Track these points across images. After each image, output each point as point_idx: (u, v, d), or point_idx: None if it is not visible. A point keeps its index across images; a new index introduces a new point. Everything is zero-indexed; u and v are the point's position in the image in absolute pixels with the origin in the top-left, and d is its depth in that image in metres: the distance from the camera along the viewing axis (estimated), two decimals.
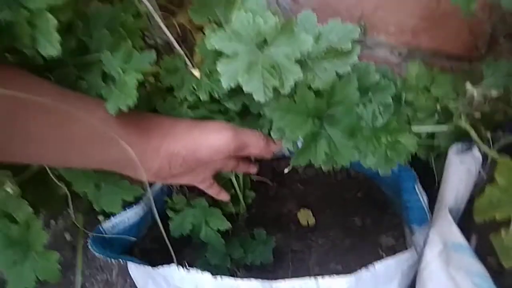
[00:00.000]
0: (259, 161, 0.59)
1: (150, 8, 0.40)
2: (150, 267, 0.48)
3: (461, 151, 0.46)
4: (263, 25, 0.38)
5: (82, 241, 0.57)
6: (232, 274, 0.59)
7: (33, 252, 0.43)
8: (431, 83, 0.50)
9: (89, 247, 0.50)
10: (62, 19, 0.32)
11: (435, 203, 0.49)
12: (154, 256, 0.59)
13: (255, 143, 0.46)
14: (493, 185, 0.32)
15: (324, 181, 0.71)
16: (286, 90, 0.38)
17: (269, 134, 0.46)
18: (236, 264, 0.60)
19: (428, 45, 0.61)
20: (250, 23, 0.38)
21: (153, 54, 0.39)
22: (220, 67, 0.38)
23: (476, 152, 0.44)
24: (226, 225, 0.57)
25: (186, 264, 0.46)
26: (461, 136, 0.46)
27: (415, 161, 0.49)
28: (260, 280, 0.44)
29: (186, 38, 0.49)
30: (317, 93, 0.41)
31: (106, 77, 0.39)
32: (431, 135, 0.50)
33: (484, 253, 0.38)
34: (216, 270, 0.56)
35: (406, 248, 0.59)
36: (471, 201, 0.45)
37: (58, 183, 0.45)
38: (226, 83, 0.38)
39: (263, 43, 0.38)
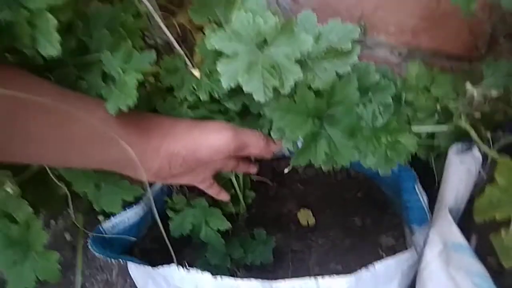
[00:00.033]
0: (259, 161, 0.59)
1: (150, 8, 0.40)
2: (150, 267, 0.48)
3: (461, 151, 0.46)
4: (263, 25, 0.38)
5: (82, 241, 0.57)
6: (232, 274, 0.59)
7: (33, 252, 0.43)
8: (431, 83, 0.50)
9: (89, 247, 0.50)
10: (62, 19, 0.32)
11: (435, 203, 0.49)
12: (154, 256, 0.59)
13: (255, 143, 0.46)
14: (493, 185, 0.32)
15: (324, 181, 0.71)
16: (286, 90, 0.38)
17: (269, 134, 0.46)
18: (236, 264, 0.60)
19: (428, 45, 0.61)
20: (250, 23, 0.38)
21: (153, 54, 0.39)
22: (220, 67, 0.38)
23: (476, 152, 0.44)
24: (226, 225, 0.57)
25: (186, 264, 0.46)
26: (461, 136, 0.46)
27: (415, 161, 0.49)
28: (260, 280, 0.44)
29: (186, 38, 0.49)
30: (317, 93, 0.41)
31: (106, 77, 0.39)
32: (431, 135, 0.50)
33: (484, 253, 0.38)
34: (216, 270, 0.56)
35: (406, 248, 0.59)
36: (471, 201, 0.45)
37: (58, 183, 0.45)
38: (226, 83, 0.38)
39: (263, 43, 0.38)
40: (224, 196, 0.56)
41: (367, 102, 0.45)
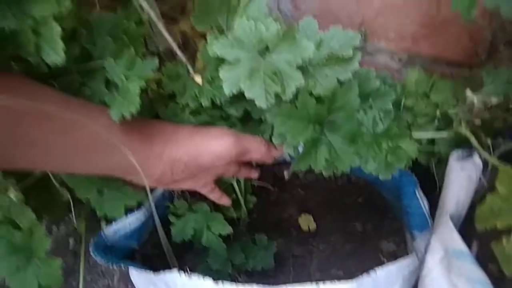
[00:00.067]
0: (260, 166, 0.59)
1: (153, 15, 0.40)
2: (151, 272, 0.48)
3: (461, 158, 0.46)
4: (265, 32, 0.39)
5: (84, 246, 0.57)
6: (233, 280, 0.59)
7: (35, 258, 0.43)
8: (431, 89, 0.50)
9: (91, 252, 0.50)
10: (65, 27, 0.32)
11: (436, 208, 0.50)
12: (156, 261, 0.59)
13: (256, 149, 0.46)
14: (494, 193, 0.32)
15: (325, 186, 0.71)
16: (288, 96, 0.38)
17: (271, 140, 0.46)
18: (237, 270, 0.60)
19: (428, 52, 0.61)
20: (252, 30, 0.39)
21: (155, 61, 0.39)
22: (222, 73, 0.38)
23: (476, 159, 0.44)
24: (227, 229, 0.57)
25: (188, 270, 0.47)
26: (462, 143, 0.46)
27: (416, 167, 0.50)
28: (261, 285, 0.44)
29: (188, 45, 0.50)
30: (318, 99, 0.42)
31: (109, 84, 0.39)
32: (432, 141, 0.50)
33: (485, 260, 0.38)
34: (217, 276, 0.56)
35: (407, 254, 0.59)
36: (472, 207, 0.45)
37: (61, 189, 0.46)
38: (228, 89, 0.38)
39: (265, 50, 0.39)
40: (225, 201, 0.56)
41: (367, 108, 0.46)
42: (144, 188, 0.43)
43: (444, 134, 0.47)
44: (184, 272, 0.46)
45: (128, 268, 0.52)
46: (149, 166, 0.41)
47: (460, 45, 0.58)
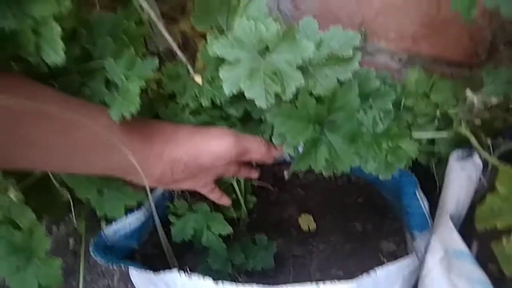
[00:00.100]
0: (260, 166, 0.59)
1: (153, 15, 0.40)
2: (151, 272, 0.48)
3: (461, 158, 0.46)
4: (265, 32, 0.39)
5: (84, 246, 0.57)
6: (233, 280, 0.59)
7: (35, 258, 0.43)
8: (431, 89, 0.50)
9: (91, 252, 0.50)
10: (65, 27, 0.32)
11: (436, 208, 0.50)
12: (156, 261, 0.59)
13: (256, 149, 0.46)
14: (494, 193, 0.32)
15: (325, 186, 0.71)
16: (288, 96, 0.38)
17: (271, 140, 0.46)
18: (237, 270, 0.60)
19: (428, 52, 0.61)
20: (252, 30, 0.39)
21: (155, 61, 0.39)
22: (223, 73, 0.38)
23: (476, 159, 0.44)
24: (228, 229, 0.57)
25: (188, 270, 0.47)
26: (462, 143, 0.46)
27: (415, 167, 0.50)
28: (261, 285, 0.44)
29: (188, 45, 0.50)
30: (318, 99, 0.42)
31: (109, 84, 0.39)
32: (432, 141, 0.50)
33: (485, 259, 0.38)
34: (217, 276, 0.56)
35: (407, 254, 0.59)
36: (472, 207, 0.45)
37: (61, 189, 0.46)
38: (228, 89, 0.38)
39: (265, 50, 0.39)
40: (225, 201, 0.56)
41: (367, 108, 0.46)
42: (144, 188, 0.43)
43: (444, 134, 0.47)
44: (184, 272, 0.46)
45: (128, 268, 0.52)
46: (149, 166, 0.41)
47: (460, 45, 0.58)
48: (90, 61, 0.39)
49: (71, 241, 0.70)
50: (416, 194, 0.55)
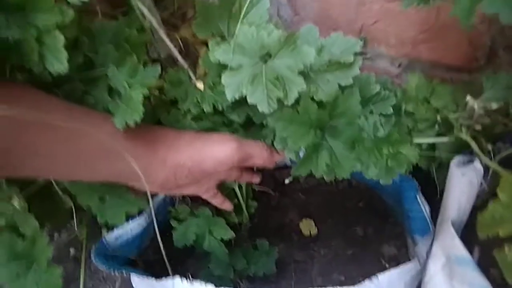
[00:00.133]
0: (260, 170, 0.59)
1: (154, 22, 0.40)
2: (153, 279, 0.48)
3: (462, 163, 0.46)
4: (267, 38, 0.39)
5: (85, 253, 0.57)
6: (235, 285, 0.59)
7: (36, 266, 0.43)
8: (431, 94, 0.50)
9: (92, 259, 0.50)
10: (68, 36, 0.32)
11: (437, 213, 0.50)
12: (158, 267, 0.59)
13: (258, 154, 0.46)
14: (496, 201, 0.32)
15: (326, 191, 0.71)
16: (290, 101, 0.38)
17: (272, 145, 0.46)
18: (239, 275, 0.60)
19: (428, 57, 0.61)
20: (254, 36, 0.39)
21: (158, 68, 0.39)
22: (225, 79, 0.39)
23: (477, 164, 0.44)
24: (230, 234, 0.57)
25: (190, 276, 0.46)
26: (462, 148, 0.46)
27: (416, 171, 0.50)
28: None
29: (189, 52, 0.50)
30: (320, 104, 0.42)
31: (112, 91, 0.39)
32: (432, 146, 0.50)
33: (487, 265, 0.38)
34: (219, 281, 0.56)
35: (408, 258, 0.59)
36: (473, 213, 0.45)
37: (63, 196, 0.46)
38: (230, 95, 0.39)
39: (266, 56, 0.39)
40: (227, 206, 0.56)
41: (368, 114, 0.46)
42: (146, 194, 0.43)
43: (444, 139, 0.47)
44: (186, 278, 0.46)
45: (129, 274, 0.52)
46: (153, 172, 0.41)
47: (459, 50, 0.59)
48: (92, 69, 0.39)
49: (72, 247, 0.70)
50: (417, 199, 0.55)
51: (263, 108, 0.38)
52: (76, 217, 0.49)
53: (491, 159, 0.42)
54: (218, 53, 0.39)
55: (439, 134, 0.48)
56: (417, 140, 0.48)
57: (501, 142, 0.45)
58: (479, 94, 0.44)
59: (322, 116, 0.42)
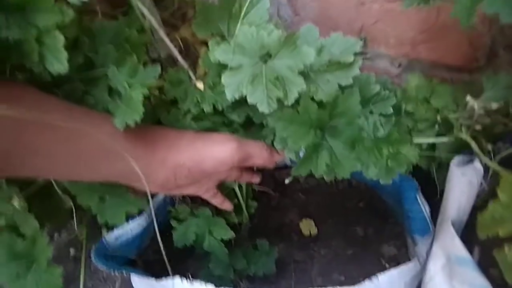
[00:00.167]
0: (260, 170, 0.59)
1: (154, 22, 0.40)
2: (153, 279, 0.48)
3: (462, 163, 0.46)
4: (266, 38, 0.39)
5: (85, 253, 0.57)
6: (235, 285, 0.59)
7: (36, 266, 0.43)
8: (431, 94, 0.50)
9: (92, 259, 0.50)
10: (68, 36, 0.32)
11: (437, 213, 0.50)
12: (157, 267, 0.59)
13: (258, 154, 0.46)
14: (496, 201, 0.32)
15: (326, 191, 0.71)
16: (290, 101, 0.39)
17: (272, 145, 0.46)
18: (239, 275, 0.60)
19: (428, 57, 0.61)
20: (254, 36, 0.39)
21: (158, 68, 0.39)
22: (225, 79, 0.39)
23: (477, 164, 0.44)
24: (230, 234, 0.57)
25: (190, 276, 0.46)
26: (462, 148, 0.46)
27: (416, 171, 0.50)
28: None
29: (189, 52, 0.50)
30: (320, 104, 0.42)
31: (112, 91, 0.39)
32: (432, 146, 0.50)
33: (487, 264, 0.38)
34: (219, 281, 0.56)
35: (408, 258, 0.59)
36: (473, 213, 0.45)
37: (63, 196, 0.46)
38: (230, 94, 0.39)
39: (266, 56, 0.39)
40: (227, 206, 0.56)
41: (368, 114, 0.46)
42: (146, 195, 0.43)
43: (444, 139, 0.47)
44: (186, 278, 0.46)
45: (129, 274, 0.52)
46: (153, 172, 0.41)
47: (459, 50, 0.59)
48: (92, 69, 0.39)
49: (72, 247, 0.70)
50: (417, 199, 0.55)
51: (263, 108, 0.38)
52: (76, 217, 0.49)
53: (491, 159, 0.42)
54: (218, 53, 0.39)
55: (439, 134, 0.48)
56: (417, 140, 0.48)
57: (501, 142, 0.45)
58: (479, 94, 0.44)
59: (322, 116, 0.42)
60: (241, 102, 0.39)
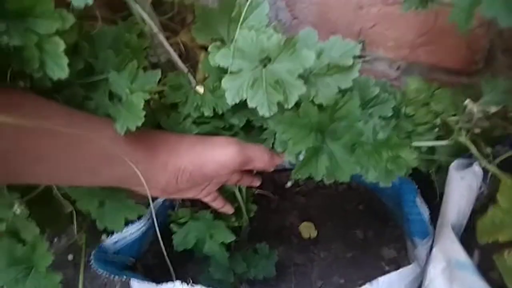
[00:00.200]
0: (260, 173, 0.59)
1: (154, 27, 0.40)
2: (153, 283, 0.48)
3: (462, 167, 0.46)
4: (266, 42, 0.39)
5: (84, 258, 0.57)
6: None
7: (36, 271, 0.43)
8: (430, 97, 0.50)
9: (91, 264, 0.50)
10: (68, 41, 0.32)
11: (437, 216, 0.50)
12: (157, 271, 0.59)
13: (259, 157, 0.46)
14: (495, 206, 0.32)
15: (325, 194, 0.71)
16: (290, 104, 0.39)
17: (273, 148, 0.46)
18: (239, 279, 0.60)
19: (426, 60, 0.61)
20: (254, 40, 0.39)
21: (158, 73, 0.39)
22: (225, 83, 0.39)
23: (476, 168, 0.44)
24: (230, 237, 0.57)
25: (190, 280, 0.46)
26: (461, 151, 0.47)
27: (416, 174, 0.50)
28: None
29: (189, 56, 0.50)
30: (320, 107, 0.42)
31: (112, 96, 0.39)
32: (432, 149, 0.50)
33: (487, 268, 0.38)
34: (219, 285, 0.56)
35: (408, 260, 0.59)
36: (472, 216, 0.45)
37: (64, 201, 0.45)
38: (231, 98, 0.39)
39: (266, 60, 0.39)
40: (228, 209, 0.56)
41: (367, 117, 0.46)
42: (146, 199, 0.43)
43: (444, 143, 0.47)
44: (186, 283, 0.46)
45: (129, 279, 0.52)
46: (154, 176, 0.41)
47: (458, 54, 0.59)
48: (92, 75, 0.39)
49: (72, 252, 0.69)
50: (416, 202, 0.55)
51: (263, 111, 0.38)
52: (76, 222, 0.49)
53: (490, 162, 0.42)
54: (218, 57, 0.39)
55: (438, 138, 0.48)
56: (417, 143, 0.48)
57: (500, 145, 0.45)
58: (478, 98, 0.45)
59: (322, 119, 0.42)
60: (241, 105, 0.39)
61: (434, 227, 0.51)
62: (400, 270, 0.45)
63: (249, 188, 0.62)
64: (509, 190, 0.31)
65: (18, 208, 0.40)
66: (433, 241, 0.49)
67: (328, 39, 0.43)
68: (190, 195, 0.49)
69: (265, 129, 0.47)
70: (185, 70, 0.44)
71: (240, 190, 0.60)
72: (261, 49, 0.39)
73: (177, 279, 0.47)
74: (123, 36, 0.40)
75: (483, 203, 0.45)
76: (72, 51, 0.37)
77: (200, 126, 0.46)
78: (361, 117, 0.45)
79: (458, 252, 0.40)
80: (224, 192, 0.58)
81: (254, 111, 0.39)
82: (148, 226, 0.58)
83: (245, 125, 0.47)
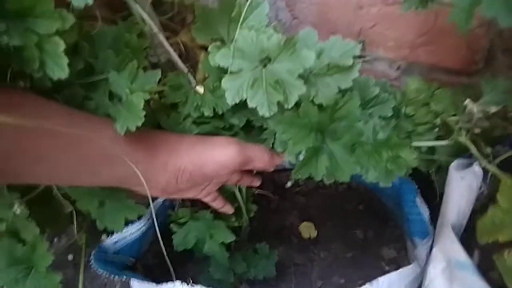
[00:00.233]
0: (260, 173, 0.59)
1: (154, 27, 0.40)
2: (153, 283, 0.48)
3: (462, 167, 0.46)
4: (266, 42, 0.39)
5: (84, 258, 0.57)
6: None
7: (35, 271, 0.43)
8: (430, 97, 0.50)
9: (91, 264, 0.50)
10: (68, 41, 0.32)
11: (437, 216, 0.50)
12: (157, 271, 0.59)
13: (259, 157, 0.46)
14: (495, 206, 0.32)
15: (325, 194, 0.71)
16: (290, 104, 0.39)
17: (273, 148, 0.46)
18: (239, 279, 0.60)
19: (426, 60, 0.61)
20: (254, 40, 0.39)
21: (158, 73, 0.39)
22: (225, 83, 0.39)
23: (476, 168, 0.44)
24: (230, 237, 0.57)
25: (190, 280, 0.46)
26: (461, 151, 0.47)
27: (416, 174, 0.50)
28: None
29: (189, 56, 0.50)
30: (320, 107, 0.42)
31: (112, 96, 0.39)
32: (432, 149, 0.50)
33: (487, 268, 0.38)
34: (219, 285, 0.56)
35: (408, 260, 0.59)
36: (472, 216, 0.45)
37: (64, 201, 0.45)
38: (231, 98, 0.39)
39: (266, 60, 0.39)
40: (228, 209, 0.56)
41: (367, 117, 0.46)
42: (146, 199, 0.43)
43: (444, 143, 0.47)
44: (186, 283, 0.46)
45: (129, 279, 0.52)
46: (154, 176, 0.41)
47: (458, 54, 0.59)
48: (92, 75, 0.39)
49: (72, 252, 0.69)
50: (416, 202, 0.55)
51: (263, 111, 0.38)
52: (76, 222, 0.49)
53: (490, 162, 0.42)
54: (218, 57, 0.39)
55: (438, 138, 0.48)
56: (417, 143, 0.48)
57: (500, 145, 0.45)
58: (478, 98, 0.45)
59: (322, 119, 0.42)
60: (241, 105, 0.40)
61: (434, 227, 0.51)
62: (400, 270, 0.45)
63: (249, 188, 0.62)
64: (509, 190, 0.31)
65: (18, 208, 0.40)
66: (433, 241, 0.49)
67: (328, 39, 0.43)
68: (190, 195, 0.49)
69: (265, 129, 0.47)
70: (185, 70, 0.44)
71: (240, 190, 0.60)
72: (261, 49, 0.39)
73: (177, 279, 0.47)
74: (123, 36, 0.40)
75: (483, 203, 0.45)
76: (72, 51, 0.37)
77: (200, 126, 0.46)
78: (361, 117, 0.45)
79: (458, 252, 0.40)
80: (224, 192, 0.58)
81: (254, 111, 0.39)
82: (148, 226, 0.58)
83: (245, 125, 0.47)
